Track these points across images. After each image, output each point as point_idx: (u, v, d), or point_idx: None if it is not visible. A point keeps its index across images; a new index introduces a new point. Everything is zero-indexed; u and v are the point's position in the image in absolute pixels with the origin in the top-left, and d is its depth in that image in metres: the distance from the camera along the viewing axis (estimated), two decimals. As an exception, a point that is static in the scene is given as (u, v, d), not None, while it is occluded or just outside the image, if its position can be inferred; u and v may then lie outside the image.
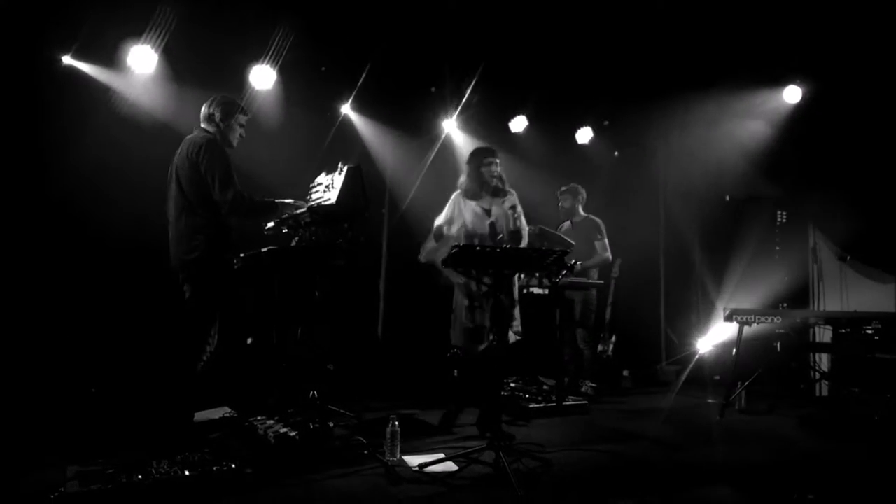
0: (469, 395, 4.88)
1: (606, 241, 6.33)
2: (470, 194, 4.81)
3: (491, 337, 4.50)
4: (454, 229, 4.75)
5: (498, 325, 4.29)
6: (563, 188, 6.60)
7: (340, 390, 5.21)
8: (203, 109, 4.20)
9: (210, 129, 4.14)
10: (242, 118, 4.27)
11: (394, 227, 7.05)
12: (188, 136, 4.14)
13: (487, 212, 4.73)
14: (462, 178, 4.90)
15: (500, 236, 4.54)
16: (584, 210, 6.53)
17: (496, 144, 7.23)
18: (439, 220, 4.85)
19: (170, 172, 4.17)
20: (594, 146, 8.01)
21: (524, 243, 4.73)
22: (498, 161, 4.81)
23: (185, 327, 4.00)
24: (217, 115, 4.14)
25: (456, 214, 4.79)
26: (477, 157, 4.85)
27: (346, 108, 6.71)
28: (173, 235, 4.07)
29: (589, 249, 6.21)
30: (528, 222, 4.95)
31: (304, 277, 4.56)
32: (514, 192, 4.83)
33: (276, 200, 4.20)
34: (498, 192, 4.79)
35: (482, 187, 4.78)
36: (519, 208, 4.72)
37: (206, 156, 3.92)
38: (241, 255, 4.33)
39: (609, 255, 6.33)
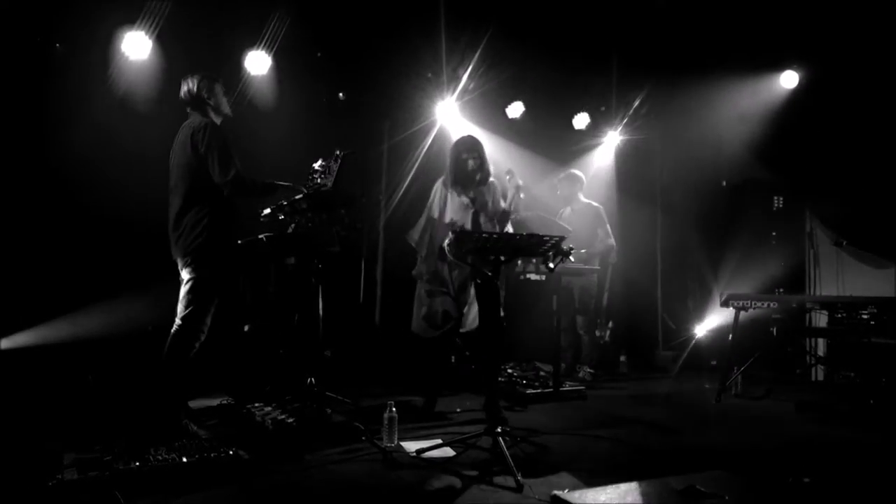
0: (443, 380, 5.05)
1: (609, 227, 6.32)
2: (451, 184, 4.76)
3: (451, 323, 4.57)
4: (446, 218, 4.69)
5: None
6: (562, 175, 6.57)
7: (338, 377, 5.22)
8: (186, 95, 4.15)
9: (204, 109, 4.12)
10: (221, 87, 4.26)
11: (391, 213, 7.03)
12: (186, 122, 4.12)
13: (472, 201, 4.71)
14: (446, 169, 4.86)
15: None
16: (585, 196, 6.52)
17: (492, 130, 7.31)
18: (428, 208, 4.83)
19: (171, 160, 4.15)
20: (591, 131, 7.98)
21: (509, 227, 4.70)
22: (478, 153, 4.71)
23: (181, 313, 4.00)
24: (204, 92, 4.13)
25: (442, 204, 4.72)
26: (456, 147, 4.78)
27: (343, 94, 6.66)
28: (174, 222, 4.05)
29: (589, 236, 6.19)
30: (527, 209, 4.92)
31: (302, 264, 4.57)
32: (496, 180, 4.81)
33: (276, 182, 4.20)
34: (481, 182, 4.75)
35: (463, 178, 4.72)
36: (505, 194, 4.70)
37: (205, 137, 3.92)
38: (239, 241, 4.33)
39: (612, 241, 6.32)
